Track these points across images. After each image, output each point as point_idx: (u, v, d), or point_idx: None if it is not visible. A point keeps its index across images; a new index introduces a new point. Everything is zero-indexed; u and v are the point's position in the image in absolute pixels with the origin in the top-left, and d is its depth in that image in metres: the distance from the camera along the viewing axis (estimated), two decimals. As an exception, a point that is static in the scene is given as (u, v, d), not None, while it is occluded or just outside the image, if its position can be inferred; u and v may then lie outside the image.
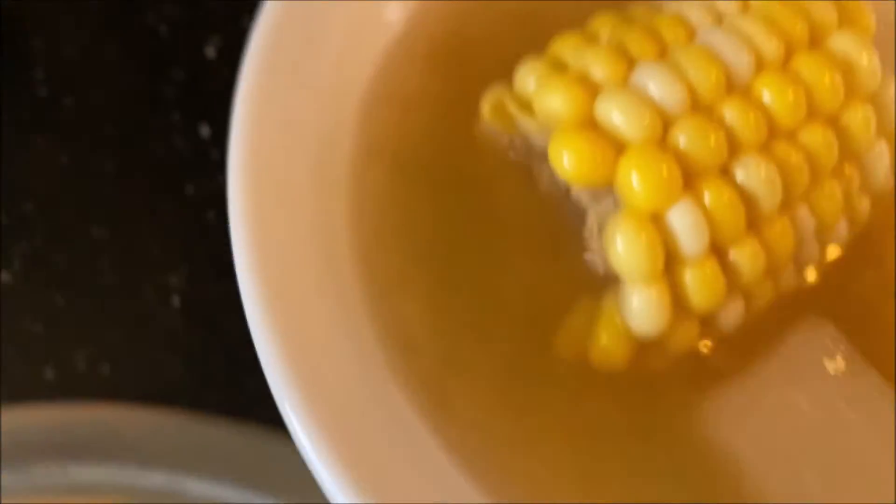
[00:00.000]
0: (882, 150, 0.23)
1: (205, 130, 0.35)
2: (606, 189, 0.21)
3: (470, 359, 0.24)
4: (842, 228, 0.23)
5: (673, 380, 0.24)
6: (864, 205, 0.24)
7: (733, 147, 0.21)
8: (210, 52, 0.37)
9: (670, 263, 0.21)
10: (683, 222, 0.20)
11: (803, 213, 0.22)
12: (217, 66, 0.37)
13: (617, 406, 0.24)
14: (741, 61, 0.21)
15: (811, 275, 0.24)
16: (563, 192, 0.23)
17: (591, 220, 0.22)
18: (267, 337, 0.21)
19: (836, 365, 0.23)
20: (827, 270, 0.25)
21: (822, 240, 0.23)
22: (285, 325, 0.21)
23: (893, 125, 0.23)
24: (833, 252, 0.25)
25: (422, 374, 0.23)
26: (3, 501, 0.28)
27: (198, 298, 0.33)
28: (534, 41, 0.25)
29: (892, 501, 0.22)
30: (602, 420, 0.24)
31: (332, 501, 0.20)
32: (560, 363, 0.24)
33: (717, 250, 0.21)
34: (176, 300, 0.33)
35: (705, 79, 0.21)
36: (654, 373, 0.24)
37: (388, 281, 0.24)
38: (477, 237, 0.25)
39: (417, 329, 0.24)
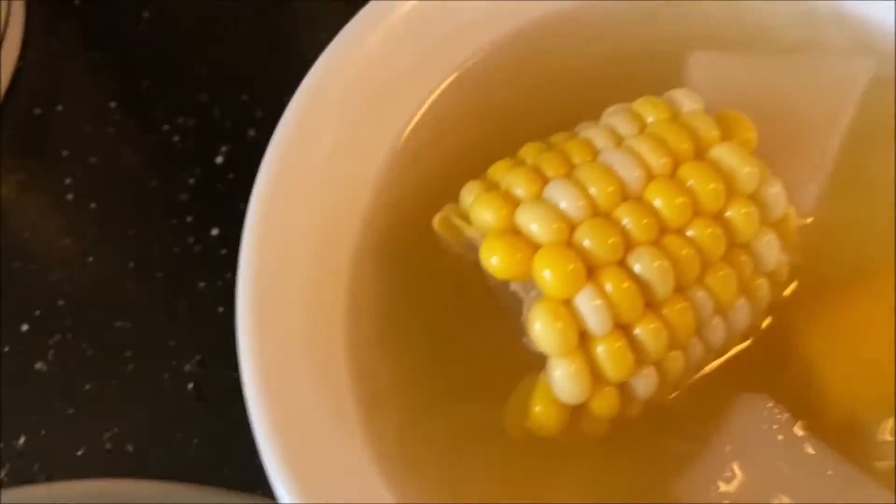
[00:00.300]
0: (771, 239, 0.27)
1: (215, 231, 0.41)
2: (531, 282, 0.26)
3: (434, 429, 0.28)
4: (743, 307, 0.27)
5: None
6: (762, 285, 0.28)
7: (629, 243, 0.25)
8: (219, 159, 0.42)
9: (584, 341, 0.25)
10: (588, 306, 0.25)
11: (700, 295, 0.26)
12: (225, 171, 0.42)
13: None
14: (633, 175, 0.26)
15: (730, 346, 0.29)
16: (505, 285, 0.28)
17: (525, 308, 0.27)
18: (263, 425, 0.25)
19: (777, 433, 0.27)
20: (757, 341, 0.29)
21: (727, 317, 0.27)
22: (280, 415, 0.25)
23: (782, 217, 0.27)
24: (757, 325, 0.29)
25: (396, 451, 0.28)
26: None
27: (210, 384, 0.37)
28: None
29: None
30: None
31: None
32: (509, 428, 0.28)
33: (624, 328, 0.25)
34: (190, 385, 0.37)
35: (602, 190, 0.25)
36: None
37: (376, 387, 0.29)
38: (447, 325, 0.30)
39: (393, 409, 0.28)
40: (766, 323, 0.29)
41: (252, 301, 0.27)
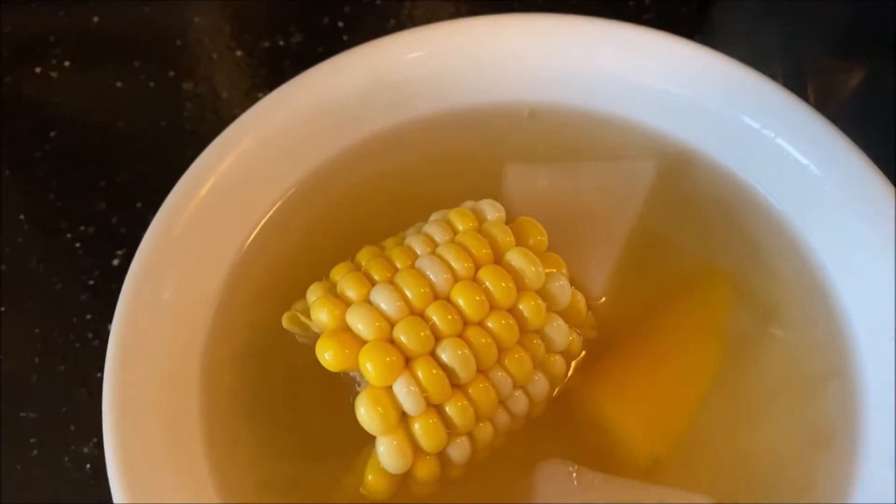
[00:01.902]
0: (559, 323, 0.33)
1: (111, 326, 0.45)
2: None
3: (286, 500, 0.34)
4: (540, 380, 0.33)
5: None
6: (557, 361, 0.34)
7: (438, 336, 0.31)
8: (116, 261, 0.47)
9: (404, 420, 0.31)
10: (404, 392, 0.30)
11: (500, 375, 0.32)
12: (121, 273, 0.46)
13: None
14: (441, 279, 0.32)
15: (534, 412, 0.34)
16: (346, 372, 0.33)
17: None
18: None
19: (580, 489, 0.33)
20: (558, 406, 0.35)
21: (527, 389, 0.33)
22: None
23: (570, 304, 0.34)
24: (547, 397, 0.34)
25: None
26: None
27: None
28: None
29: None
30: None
31: None
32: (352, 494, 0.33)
33: (436, 407, 0.31)
34: (88, 466, 0.41)
35: (416, 292, 0.31)
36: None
37: (230, 455, 0.34)
38: (299, 411, 0.35)
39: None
40: (564, 390, 0.35)
41: (114, 404, 0.32)
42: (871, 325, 0.34)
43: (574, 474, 0.33)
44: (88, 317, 0.46)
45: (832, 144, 0.36)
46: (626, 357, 0.36)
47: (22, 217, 0.49)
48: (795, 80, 0.49)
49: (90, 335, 0.45)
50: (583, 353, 0.35)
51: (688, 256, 0.37)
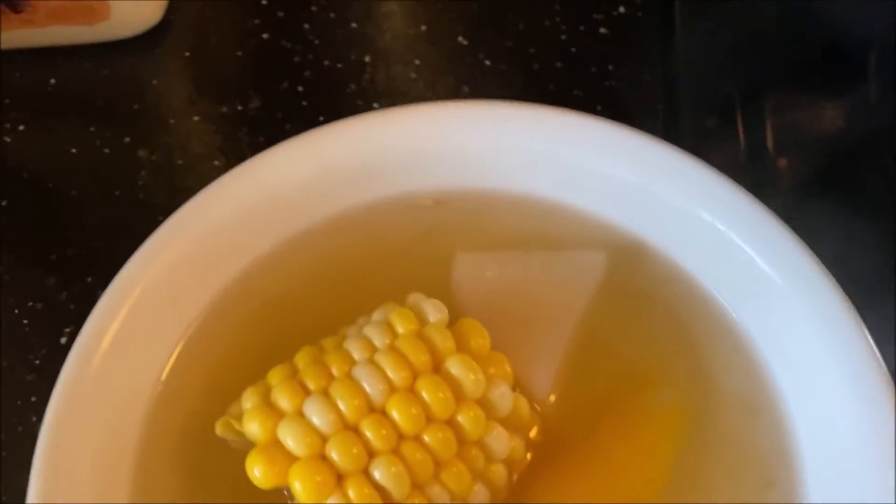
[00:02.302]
0: (499, 432, 0.32)
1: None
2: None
3: None
4: (481, 491, 0.32)
5: None
6: (498, 470, 0.33)
7: (372, 452, 0.30)
8: (63, 339, 0.46)
9: (336, 537, 0.30)
10: (334, 515, 0.29)
11: (436, 490, 0.31)
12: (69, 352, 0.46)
13: None
14: (377, 390, 0.31)
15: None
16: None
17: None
18: None
19: None
20: None
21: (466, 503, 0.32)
22: None
23: (512, 410, 0.33)
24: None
25: None
26: None
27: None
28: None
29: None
30: None
31: None
32: None
33: (371, 526, 0.30)
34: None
35: (350, 405, 0.30)
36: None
37: None
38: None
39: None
40: (513, 497, 0.34)
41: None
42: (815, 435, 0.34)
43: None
44: (33, 399, 0.45)
45: (783, 243, 0.35)
46: (579, 458, 0.35)
47: (-32, 292, 0.48)
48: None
49: (34, 419, 0.44)
50: (528, 456, 0.35)
51: (636, 356, 0.37)
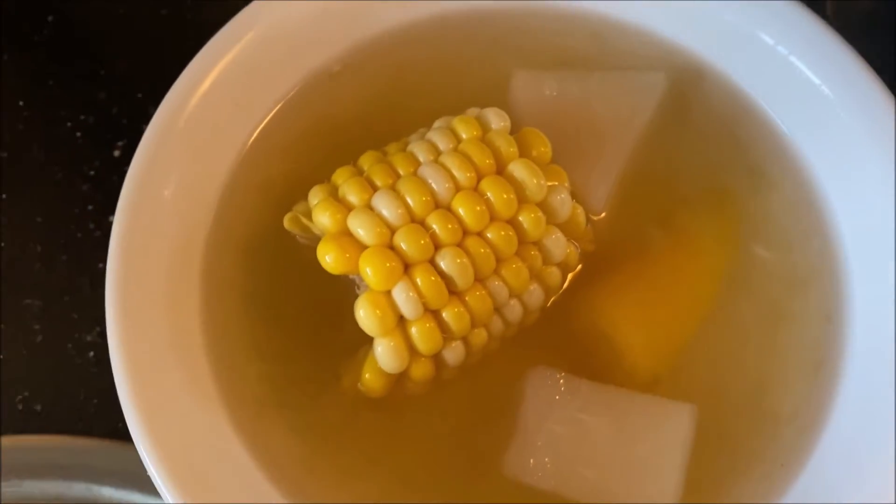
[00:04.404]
0: (558, 236, 0.33)
1: (112, 218, 0.45)
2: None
3: (284, 393, 0.35)
4: (536, 290, 0.34)
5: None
6: (553, 273, 0.34)
7: (438, 244, 0.31)
8: (116, 152, 0.47)
9: (402, 323, 0.32)
10: (403, 297, 0.31)
11: (497, 284, 0.32)
12: (122, 164, 0.47)
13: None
14: (443, 188, 0.32)
15: (528, 320, 0.35)
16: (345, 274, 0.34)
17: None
18: (129, 404, 0.31)
19: (567, 394, 0.34)
20: (557, 318, 0.35)
21: (522, 299, 0.34)
22: (141, 385, 0.31)
23: (570, 217, 0.34)
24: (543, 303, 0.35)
25: (247, 405, 0.34)
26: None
27: (108, 352, 0.42)
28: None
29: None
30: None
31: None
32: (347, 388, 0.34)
33: (434, 312, 0.32)
34: (91, 354, 0.43)
35: (417, 200, 0.31)
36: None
37: (231, 355, 0.34)
38: (298, 308, 0.36)
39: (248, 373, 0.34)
40: (559, 301, 0.36)
41: (117, 295, 0.33)
42: (867, 255, 0.35)
43: (561, 380, 0.34)
44: (90, 207, 0.46)
45: (847, 66, 0.35)
46: (628, 273, 0.36)
47: (21, 103, 0.48)
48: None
49: (91, 226, 0.46)
50: (579, 266, 0.36)
51: (691, 176, 0.37)
